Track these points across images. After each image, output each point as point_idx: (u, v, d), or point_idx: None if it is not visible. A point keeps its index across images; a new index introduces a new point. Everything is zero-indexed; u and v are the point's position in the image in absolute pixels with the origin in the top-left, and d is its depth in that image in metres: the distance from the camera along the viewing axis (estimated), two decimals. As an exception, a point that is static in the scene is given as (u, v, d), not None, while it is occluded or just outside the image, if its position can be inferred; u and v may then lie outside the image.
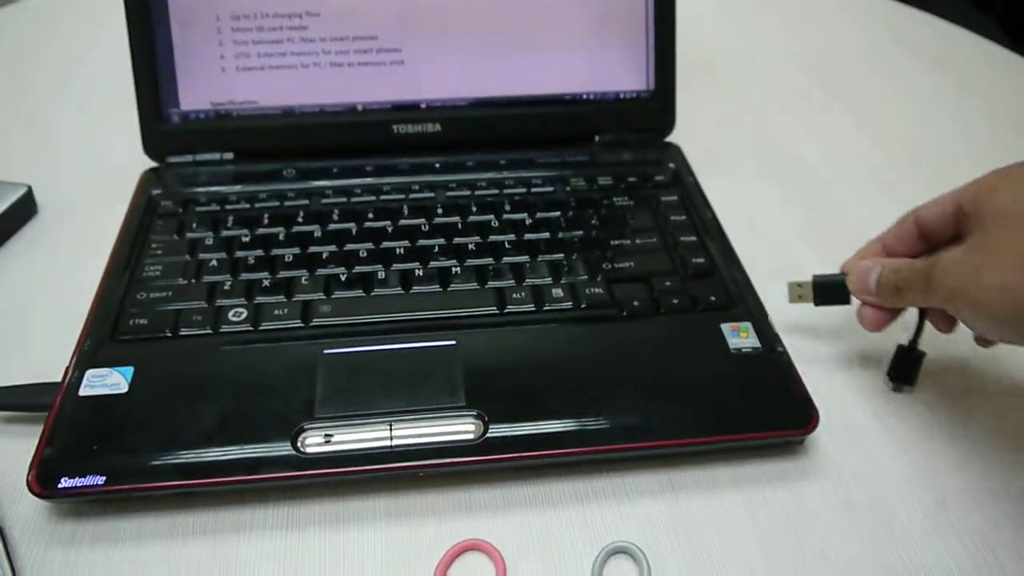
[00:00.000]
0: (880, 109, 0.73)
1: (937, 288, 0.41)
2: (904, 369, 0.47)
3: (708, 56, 0.80)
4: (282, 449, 0.40)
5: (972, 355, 0.49)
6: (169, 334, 0.46)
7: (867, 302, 0.46)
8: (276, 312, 0.48)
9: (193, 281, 0.50)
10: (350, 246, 0.52)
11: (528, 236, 0.53)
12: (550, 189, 0.58)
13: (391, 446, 0.41)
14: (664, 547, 0.40)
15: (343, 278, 0.50)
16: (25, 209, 0.58)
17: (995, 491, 0.42)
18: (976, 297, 0.39)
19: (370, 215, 0.55)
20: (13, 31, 0.82)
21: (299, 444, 0.41)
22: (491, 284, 0.50)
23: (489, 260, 0.51)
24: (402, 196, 0.57)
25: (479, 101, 0.60)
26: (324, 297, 0.49)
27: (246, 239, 0.53)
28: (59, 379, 0.43)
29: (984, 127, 0.71)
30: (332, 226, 0.54)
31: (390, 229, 0.54)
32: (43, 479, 0.39)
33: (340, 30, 0.58)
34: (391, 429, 0.41)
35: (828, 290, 0.48)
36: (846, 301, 0.48)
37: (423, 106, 0.60)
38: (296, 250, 0.52)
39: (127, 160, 0.59)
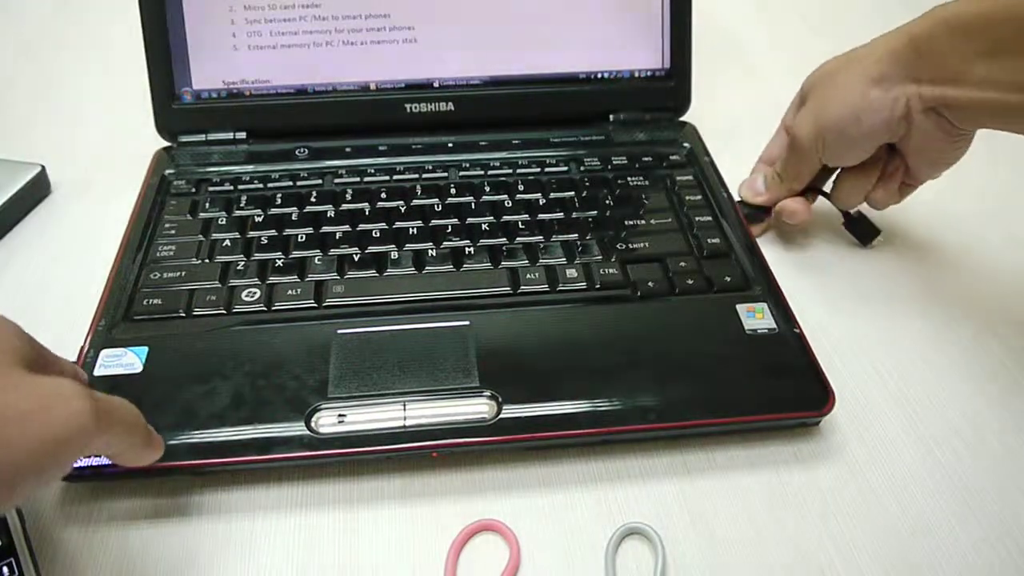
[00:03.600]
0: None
1: (800, 141, 0.50)
2: (861, 229, 0.55)
3: (724, 34, 0.78)
4: (296, 429, 0.40)
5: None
6: (183, 314, 0.46)
7: (768, 201, 0.54)
8: (289, 292, 0.47)
9: (206, 261, 0.50)
10: (363, 226, 0.52)
11: (542, 216, 0.53)
12: (564, 169, 0.57)
13: (405, 426, 0.41)
14: (678, 529, 0.40)
15: (356, 258, 0.50)
16: (39, 188, 0.58)
17: (1016, 476, 0.42)
18: (826, 129, 0.48)
19: (383, 195, 0.54)
20: (29, 11, 0.81)
21: (313, 424, 0.41)
22: (505, 264, 0.49)
23: (503, 240, 0.51)
24: (415, 176, 0.56)
25: (492, 80, 0.60)
26: (337, 277, 0.49)
27: (259, 219, 0.53)
28: (74, 359, 0.43)
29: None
30: (345, 206, 0.54)
31: (403, 209, 0.53)
32: (59, 458, 0.39)
33: (353, 8, 0.57)
34: (405, 409, 0.41)
35: (747, 209, 0.55)
36: (763, 212, 0.55)
37: (436, 85, 0.60)
38: (309, 230, 0.52)
39: (140, 140, 0.59)
